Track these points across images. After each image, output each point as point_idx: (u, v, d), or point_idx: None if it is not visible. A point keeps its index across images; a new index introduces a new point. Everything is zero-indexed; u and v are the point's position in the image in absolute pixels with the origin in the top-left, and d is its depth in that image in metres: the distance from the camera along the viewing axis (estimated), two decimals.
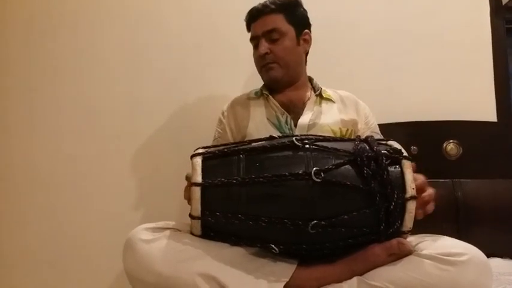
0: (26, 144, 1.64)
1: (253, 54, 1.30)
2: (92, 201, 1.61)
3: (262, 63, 1.26)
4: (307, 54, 1.32)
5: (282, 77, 1.25)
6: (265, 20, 1.24)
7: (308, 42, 1.30)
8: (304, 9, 1.30)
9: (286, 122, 1.22)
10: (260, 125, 1.23)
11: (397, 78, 1.67)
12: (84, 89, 1.66)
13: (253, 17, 1.27)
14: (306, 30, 1.29)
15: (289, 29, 1.24)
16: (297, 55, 1.28)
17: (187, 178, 0.90)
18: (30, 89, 1.66)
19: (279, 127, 1.21)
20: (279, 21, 1.24)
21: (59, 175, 1.62)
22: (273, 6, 1.24)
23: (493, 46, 1.67)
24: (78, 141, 1.63)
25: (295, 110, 1.24)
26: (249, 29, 1.31)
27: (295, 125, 1.21)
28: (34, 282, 1.59)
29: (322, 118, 1.23)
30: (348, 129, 1.22)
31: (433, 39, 1.68)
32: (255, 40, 1.27)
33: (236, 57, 1.65)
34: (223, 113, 1.35)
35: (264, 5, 1.25)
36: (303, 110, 1.24)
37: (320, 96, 1.28)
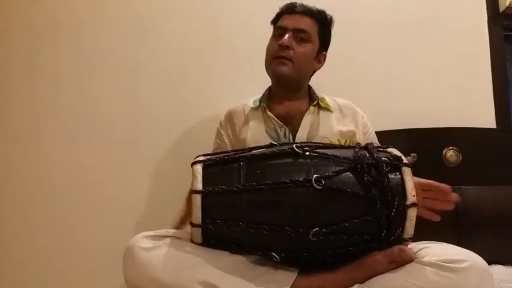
0: (28, 151, 1.64)
1: (269, 44, 1.26)
2: (92, 208, 1.61)
3: (278, 54, 1.21)
4: (314, 72, 1.31)
5: (289, 77, 1.21)
6: (301, 18, 1.23)
7: (321, 63, 1.30)
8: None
9: (284, 135, 1.21)
10: (259, 138, 1.21)
11: (396, 85, 1.67)
12: (85, 96, 1.66)
13: (290, 10, 1.26)
14: (325, 52, 1.30)
15: (316, 40, 1.24)
16: (310, 67, 1.27)
17: None
18: (32, 96, 1.66)
19: (277, 140, 1.20)
20: (312, 28, 1.23)
21: (60, 182, 1.62)
22: (313, 11, 1.25)
23: (491, 53, 1.68)
24: (79, 148, 1.63)
25: (293, 122, 1.23)
26: (276, 20, 1.28)
27: (294, 138, 1.20)
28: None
29: (320, 130, 1.22)
30: (346, 141, 1.22)
31: (432, 47, 1.68)
32: (281, 30, 1.23)
33: (237, 63, 1.65)
34: (221, 124, 1.33)
35: (305, 6, 1.25)
36: (301, 122, 1.23)
37: (318, 106, 1.27)
